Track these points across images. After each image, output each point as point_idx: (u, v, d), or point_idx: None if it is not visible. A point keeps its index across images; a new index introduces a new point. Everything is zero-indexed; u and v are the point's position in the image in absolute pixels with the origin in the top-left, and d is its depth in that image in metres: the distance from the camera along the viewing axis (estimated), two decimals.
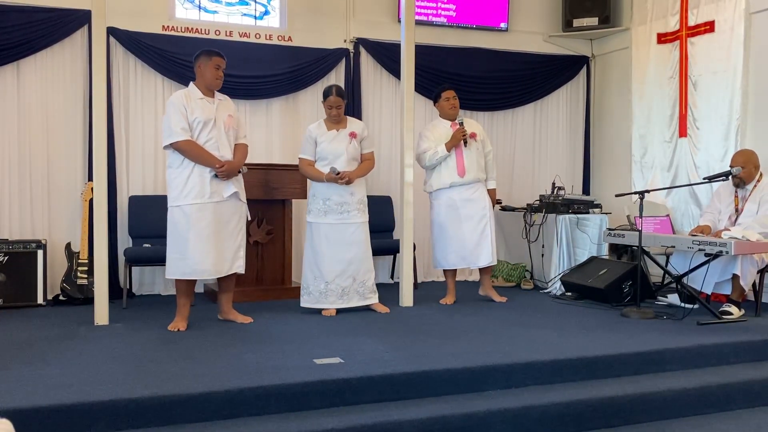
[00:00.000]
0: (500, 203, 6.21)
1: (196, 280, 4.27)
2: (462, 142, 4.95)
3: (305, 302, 4.62)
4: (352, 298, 4.61)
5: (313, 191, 4.64)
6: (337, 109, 4.58)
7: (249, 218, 4.38)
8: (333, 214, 4.56)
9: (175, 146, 4.03)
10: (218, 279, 4.29)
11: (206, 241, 4.04)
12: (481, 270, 5.19)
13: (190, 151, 4.02)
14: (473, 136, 5.04)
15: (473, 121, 5.32)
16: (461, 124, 4.99)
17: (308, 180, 4.80)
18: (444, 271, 5.23)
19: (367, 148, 4.72)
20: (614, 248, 5.88)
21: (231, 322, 4.30)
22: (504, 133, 6.74)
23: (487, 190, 5.14)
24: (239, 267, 4.24)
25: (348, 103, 5.96)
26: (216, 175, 4.07)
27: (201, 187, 4.04)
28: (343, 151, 4.57)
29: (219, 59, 4.16)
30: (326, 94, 4.60)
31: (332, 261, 4.54)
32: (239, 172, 4.22)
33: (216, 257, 4.09)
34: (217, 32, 5.76)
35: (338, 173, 4.47)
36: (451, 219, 5.00)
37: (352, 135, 4.63)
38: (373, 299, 4.69)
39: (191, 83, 4.21)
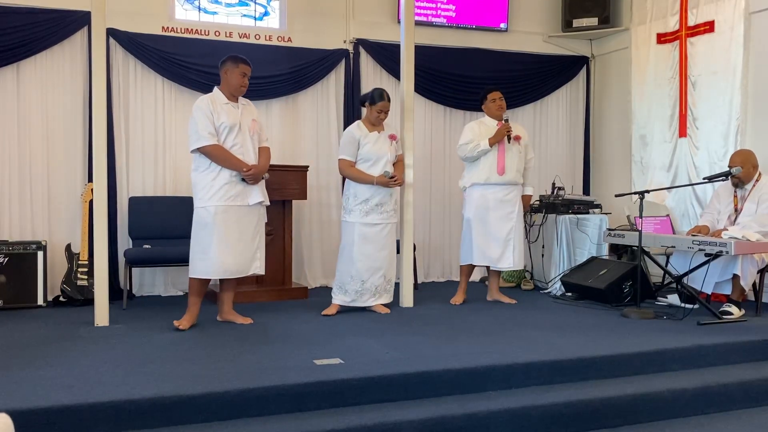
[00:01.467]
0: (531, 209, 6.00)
1: (209, 282, 4.32)
2: (506, 138, 4.96)
3: (340, 300, 4.64)
4: (382, 296, 4.70)
5: (354, 191, 4.63)
6: (386, 113, 4.62)
7: (266, 219, 4.41)
8: (374, 215, 4.60)
9: (203, 150, 4.07)
10: (220, 280, 4.31)
11: (229, 241, 4.11)
12: (491, 274, 5.20)
13: (217, 155, 4.07)
14: (517, 138, 5.05)
15: (520, 126, 5.35)
16: (506, 120, 5.02)
17: (347, 180, 4.71)
18: (460, 267, 5.22)
19: (400, 150, 4.80)
20: (614, 248, 5.88)
21: (231, 323, 4.31)
22: None
23: (523, 195, 5.16)
24: (258, 268, 4.30)
25: (348, 104, 5.98)
26: (243, 179, 4.13)
27: (227, 189, 4.11)
28: (386, 153, 4.63)
29: (246, 67, 4.23)
30: (377, 98, 4.58)
31: (371, 260, 4.60)
32: (263, 177, 4.28)
33: (238, 257, 4.17)
34: (217, 33, 5.76)
35: (393, 177, 4.56)
36: (479, 217, 5.00)
37: (393, 137, 4.70)
38: (389, 297, 4.76)
39: (215, 88, 4.26)
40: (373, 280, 4.62)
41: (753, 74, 5.36)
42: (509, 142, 4.99)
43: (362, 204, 4.58)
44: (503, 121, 5.02)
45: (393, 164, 4.68)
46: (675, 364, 3.58)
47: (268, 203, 4.38)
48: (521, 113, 6.81)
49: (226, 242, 4.11)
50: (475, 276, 6.36)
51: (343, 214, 4.69)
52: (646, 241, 4.69)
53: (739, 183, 4.76)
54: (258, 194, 4.23)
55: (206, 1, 5.82)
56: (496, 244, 5.00)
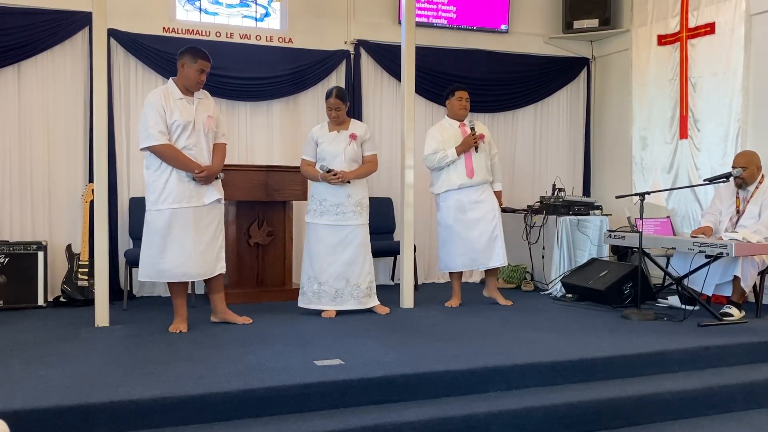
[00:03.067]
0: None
1: (188, 283, 4.26)
2: (473, 149, 4.93)
3: (300, 302, 4.65)
4: (347, 301, 4.60)
5: (312, 192, 4.66)
6: (336, 111, 4.58)
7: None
8: (329, 215, 4.56)
9: (153, 150, 3.93)
10: (206, 281, 4.26)
11: (186, 244, 4.00)
12: (487, 272, 5.17)
13: (168, 155, 3.94)
14: (481, 137, 5.00)
15: (480, 123, 5.29)
16: (473, 129, 4.96)
17: (309, 181, 4.81)
18: (450, 273, 5.20)
19: (369, 151, 4.71)
20: (615, 250, 5.88)
21: (230, 323, 4.29)
22: (504, 135, 6.74)
23: (494, 192, 5.12)
24: (221, 269, 4.20)
25: (349, 104, 5.97)
26: (194, 179, 4.00)
27: (180, 191, 3.98)
28: (341, 152, 4.57)
29: (205, 63, 4.04)
30: (327, 96, 4.63)
31: (326, 262, 4.55)
32: (217, 177, 4.13)
33: (198, 260, 4.05)
34: (218, 34, 5.77)
35: (329, 171, 4.47)
36: (460, 221, 4.96)
37: (353, 137, 4.63)
38: (369, 303, 4.67)
39: (170, 79, 4.12)
40: (331, 283, 4.55)
41: (754, 76, 5.36)
42: (477, 152, 4.94)
43: (318, 204, 4.57)
44: (468, 129, 4.96)
45: (361, 165, 4.64)
46: (675, 365, 3.57)
47: (222, 200, 4.20)
48: (522, 114, 6.82)
49: (182, 246, 3.98)
50: (476, 277, 6.36)
51: (305, 214, 4.72)
52: (647, 242, 4.68)
53: (742, 184, 4.75)
54: (213, 192, 4.08)
55: (207, 2, 5.83)
56: (481, 245, 4.96)
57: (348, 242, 4.57)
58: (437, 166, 4.97)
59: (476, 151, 4.93)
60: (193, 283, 4.87)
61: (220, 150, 4.17)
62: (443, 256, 5.10)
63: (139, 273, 4.10)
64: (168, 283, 4.15)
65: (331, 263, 4.55)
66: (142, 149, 3.99)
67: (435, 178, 5.08)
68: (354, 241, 4.58)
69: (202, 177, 3.99)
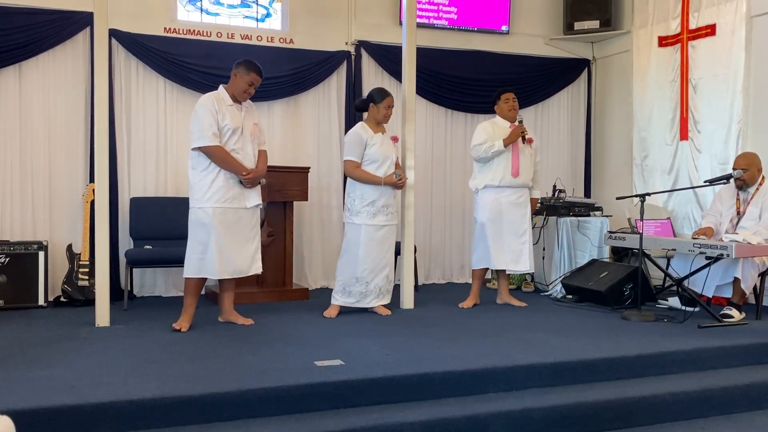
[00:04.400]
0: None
1: (204, 283, 4.33)
2: (520, 139, 4.94)
3: (343, 302, 4.64)
4: (384, 296, 4.70)
5: (360, 193, 4.59)
6: (392, 107, 4.66)
7: (262, 219, 4.42)
8: (381, 216, 4.59)
9: (205, 150, 4.06)
10: (220, 280, 4.31)
11: (228, 243, 4.12)
12: (501, 277, 5.18)
13: (219, 156, 4.07)
14: (530, 141, 5.03)
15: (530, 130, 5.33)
16: (521, 122, 4.99)
17: (350, 181, 4.68)
18: (473, 272, 5.17)
19: (398, 153, 4.84)
20: (615, 251, 5.88)
21: (232, 323, 4.31)
22: None
23: (531, 198, 5.13)
24: (258, 268, 4.32)
25: (349, 105, 5.98)
26: (241, 182, 4.13)
27: (225, 192, 4.10)
28: (392, 154, 4.66)
29: (256, 77, 4.19)
30: (382, 95, 4.62)
31: (377, 262, 4.59)
32: (260, 182, 4.28)
33: (237, 258, 4.18)
34: (219, 34, 5.77)
35: (400, 178, 4.59)
36: (494, 220, 4.96)
37: (395, 139, 4.75)
38: (389, 298, 4.76)
39: (221, 86, 4.24)
40: (377, 281, 4.62)
41: (754, 77, 5.37)
42: (524, 143, 4.98)
43: (369, 206, 4.57)
44: (517, 122, 5.00)
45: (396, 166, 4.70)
46: (675, 366, 3.57)
47: (263, 206, 4.38)
48: (522, 116, 6.79)
49: (224, 243, 4.11)
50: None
51: (347, 216, 4.65)
52: (647, 243, 4.69)
53: (742, 185, 4.75)
54: (255, 197, 4.26)
55: (208, 3, 5.83)
56: (512, 247, 4.97)
57: (392, 241, 4.68)
58: (483, 156, 4.95)
59: (523, 143, 4.95)
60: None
61: (263, 156, 4.34)
62: (475, 253, 5.11)
63: (185, 270, 4.18)
64: (186, 279, 4.20)
65: (386, 264, 4.63)
66: (195, 149, 4.09)
67: (478, 172, 5.06)
68: (394, 239, 4.71)
69: (249, 179, 4.13)
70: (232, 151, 4.12)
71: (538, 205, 5.86)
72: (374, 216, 4.57)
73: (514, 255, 4.98)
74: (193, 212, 4.15)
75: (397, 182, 4.59)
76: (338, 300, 4.64)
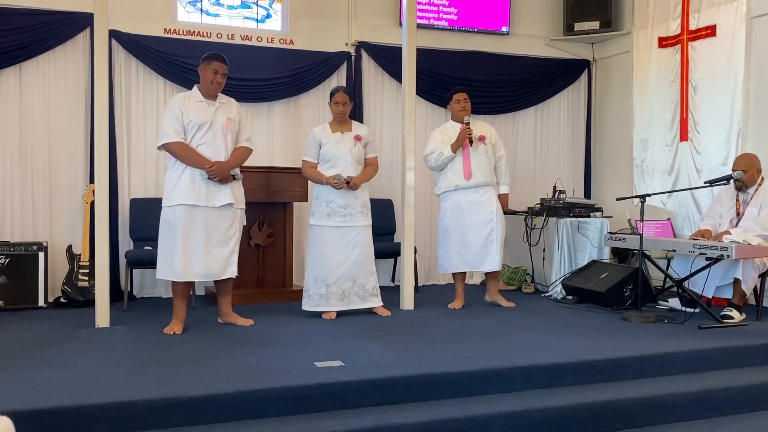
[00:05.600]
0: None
1: (193, 283, 4.26)
2: (468, 141, 4.92)
3: (306, 305, 4.61)
4: (352, 301, 4.61)
5: (316, 193, 4.63)
6: (344, 106, 4.59)
7: (245, 223, 4.35)
8: (336, 217, 4.55)
9: (165, 148, 4.07)
10: (215, 282, 4.29)
11: (195, 243, 4.04)
12: (488, 275, 5.17)
13: (179, 152, 4.04)
14: (482, 138, 4.99)
15: (485, 124, 5.30)
16: (467, 124, 4.96)
17: (310, 183, 4.80)
18: (453, 275, 5.20)
19: (371, 153, 4.73)
20: (615, 252, 5.88)
21: (231, 324, 4.30)
22: (505, 137, 6.70)
23: (499, 194, 5.10)
24: (232, 273, 4.21)
25: (353, 105, 5.97)
26: (210, 178, 4.06)
27: (191, 189, 4.03)
28: (347, 153, 4.57)
29: (218, 64, 4.13)
30: (334, 91, 4.64)
31: (335, 264, 4.54)
32: (234, 178, 4.17)
33: (206, 260, 4.08)
34: (219, 35, 5.77)
35: (344, 179, 4.45)
36: (455, 222, 4.97)
37: (357, 138, 4.63)
38: (373, 302, 4.69)
39: (195, 86, 4.25)
40: (339, 284, 4.55)
41: (754, 78, 5.37)
42: (472, 145, 4.95)
43: (325, 206, 4.55)
44: (464, 124, 4.97)
45: (364, 166, 4.64)
46: (675, 367, 3.57)
47: (242, 207, 4.26)
48: (522, 116, 6.83)
49: (191, 244, 4.03)
50: (476, 279, 6.36)
51: (309, 216, 4.67)
52: (647, 244, 4.68)
53: (742, 186, 4.75)
54: (226, 196, 4.11)
55: (208, 4, 5.83)
56: (476, 247, 4.95)
57: (356, 243, 4.58)
58: (434, 164, 5.00)
59: (471, 145, 4.93)
60: (193, 284, 4.87)
61: (241, 151, 4.25)
62: (440, 256, 5.14)
63: (157, 272, 4.15)
64: (172, 283, 4.16)
65: (341, 264, 4.55)
66: (158, 148, 4.11)
67: (437, 178, 5.11)
68: (361, 242, 4.60)
69: (213, 171, 4.04)
70: (199, 146, 4.06)
71: (537, 205, 5.87)
72: (329, 216, 4.53)
73: (480, 255, 4.96)
74: (162, 212, 4.10)
75: (336, 183, 4.46)
76: (303, 304, 4.60)
